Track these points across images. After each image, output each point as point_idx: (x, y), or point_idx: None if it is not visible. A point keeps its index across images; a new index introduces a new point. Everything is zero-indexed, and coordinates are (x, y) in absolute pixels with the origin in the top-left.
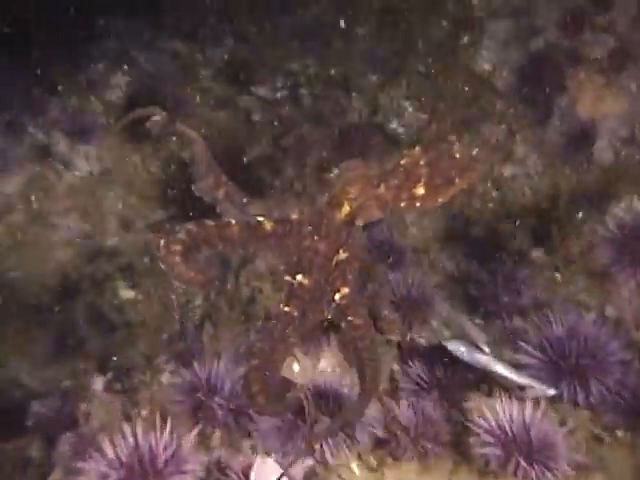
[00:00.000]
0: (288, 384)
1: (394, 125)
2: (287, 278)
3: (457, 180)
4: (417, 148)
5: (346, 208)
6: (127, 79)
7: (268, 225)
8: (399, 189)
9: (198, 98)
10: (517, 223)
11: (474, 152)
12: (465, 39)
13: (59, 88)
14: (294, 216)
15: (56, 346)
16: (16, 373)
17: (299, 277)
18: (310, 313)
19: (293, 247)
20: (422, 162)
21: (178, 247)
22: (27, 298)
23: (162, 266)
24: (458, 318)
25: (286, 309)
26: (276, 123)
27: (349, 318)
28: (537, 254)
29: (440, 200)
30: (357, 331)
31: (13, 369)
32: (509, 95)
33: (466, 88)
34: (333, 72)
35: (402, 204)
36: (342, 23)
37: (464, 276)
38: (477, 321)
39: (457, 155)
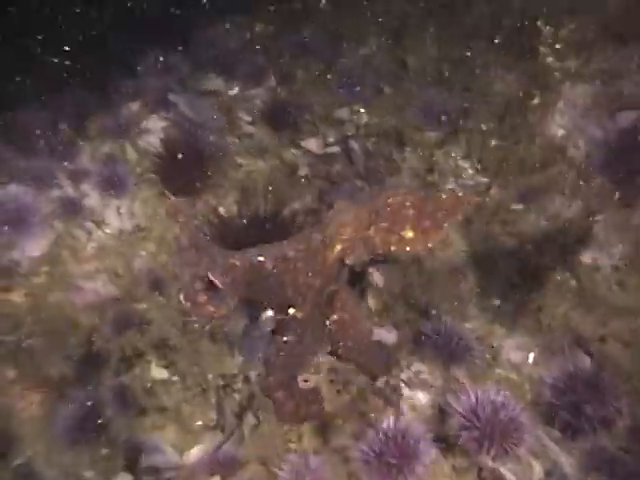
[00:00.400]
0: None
1: (450, 186)
2: (279, 317)
3: (445, 225)
4: (403, 189)
5: (337, 248)
6: (163, 123)
7: (269, 264)
8: (388, 232)
9: (238, 144)
10: (602, 321)
11: (460, 194)
12: (536, 99)
13: (89, 132)
14: (291, 253)
15: (77, 427)
16: (30, 458)
17: (292, 310)
18: (312, 340)
19: (289, 283)
20: (408, 203)
21: (202, 297)
22: (47, 368)
23: (194, 317)
24: (548, 445)
25: (284, 339)
26: (323, 178)
27: (340, 343)
28: (624, 359)
29: (429, 245)
30: (351, 353)
31: (26, 453)
32: (584, 168)
33: (534, 153)
34: (386, 123)
35: (392, 248)
36: (396, 68)
37: (537, 375)
38: (554, 433)
39: (443, 196)
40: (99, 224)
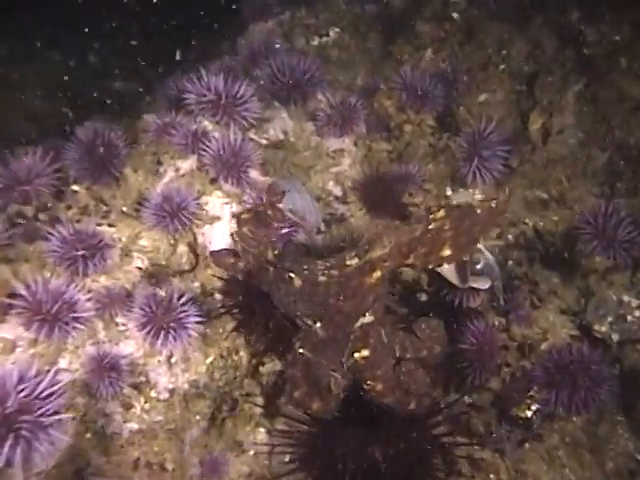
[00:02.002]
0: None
1: (604, 328)
2: (307, 321)
3: (479, 238)
4: (442, 212)
5: (377, 274)
6: (233, 205)
7: (297, 281)
8: (427, 255)
9: (325, 234)
10: None
11: (492, 204)
12: None
13: (116, 204)
14: (322, 279)
15: None
16: None
17: (317, 325)
18: (326, 361)
19: (320, 301)
20: (447, 227)
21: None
22: None
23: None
24: None
25: (300, 351)
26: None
27: (368, 382)
28: None
29: (463, 257)
30: (379, 396)
31: None
32: None
33: None
34: (525, 227)
35: (430, 266)
36: (524, 131)
37: None
38: None
39: (478, 211)
40: (141, 388)
